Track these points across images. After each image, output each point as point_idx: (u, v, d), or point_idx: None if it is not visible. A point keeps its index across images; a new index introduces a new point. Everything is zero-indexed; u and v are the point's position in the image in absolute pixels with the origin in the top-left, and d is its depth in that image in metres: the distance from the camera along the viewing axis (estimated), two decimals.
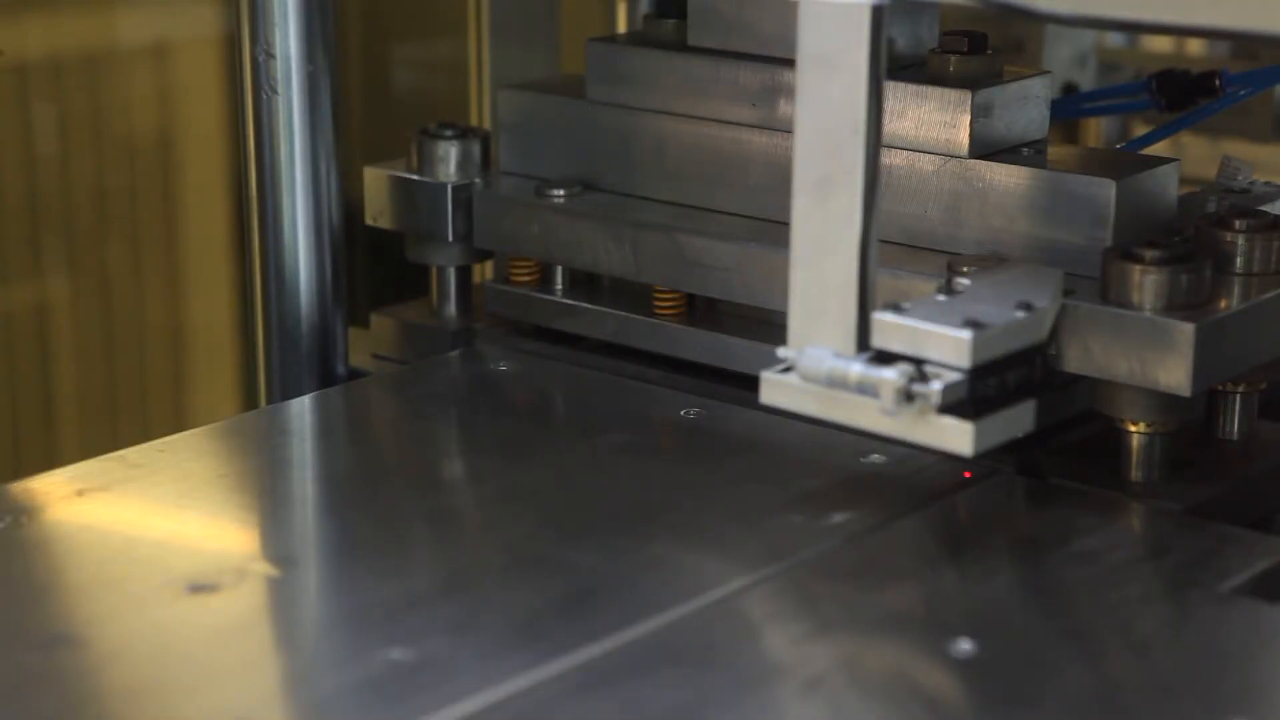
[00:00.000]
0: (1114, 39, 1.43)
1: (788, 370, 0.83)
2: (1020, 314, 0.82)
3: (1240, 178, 0.97)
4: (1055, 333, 0.85)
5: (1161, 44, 1.45)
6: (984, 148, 0.94)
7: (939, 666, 0.73)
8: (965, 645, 0.74)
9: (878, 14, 0.78)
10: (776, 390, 0.83)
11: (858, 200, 0.80)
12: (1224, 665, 0.74)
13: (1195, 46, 1.43)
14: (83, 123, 1.31)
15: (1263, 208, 0.92)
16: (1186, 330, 0.83)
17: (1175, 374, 0.84)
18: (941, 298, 0.83)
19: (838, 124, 0.79)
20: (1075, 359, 0.86)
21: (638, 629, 0.75)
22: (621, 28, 1.39)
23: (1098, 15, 0.77)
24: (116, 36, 1.33)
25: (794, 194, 0.81)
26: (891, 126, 0.94)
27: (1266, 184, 0.97)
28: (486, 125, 1.30)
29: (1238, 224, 0.89)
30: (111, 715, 0.71)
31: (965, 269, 0.88)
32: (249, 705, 0.71)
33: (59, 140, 1.29)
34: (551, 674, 0.72)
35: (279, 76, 1.03)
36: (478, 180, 1.08)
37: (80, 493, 0.87)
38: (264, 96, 1.04)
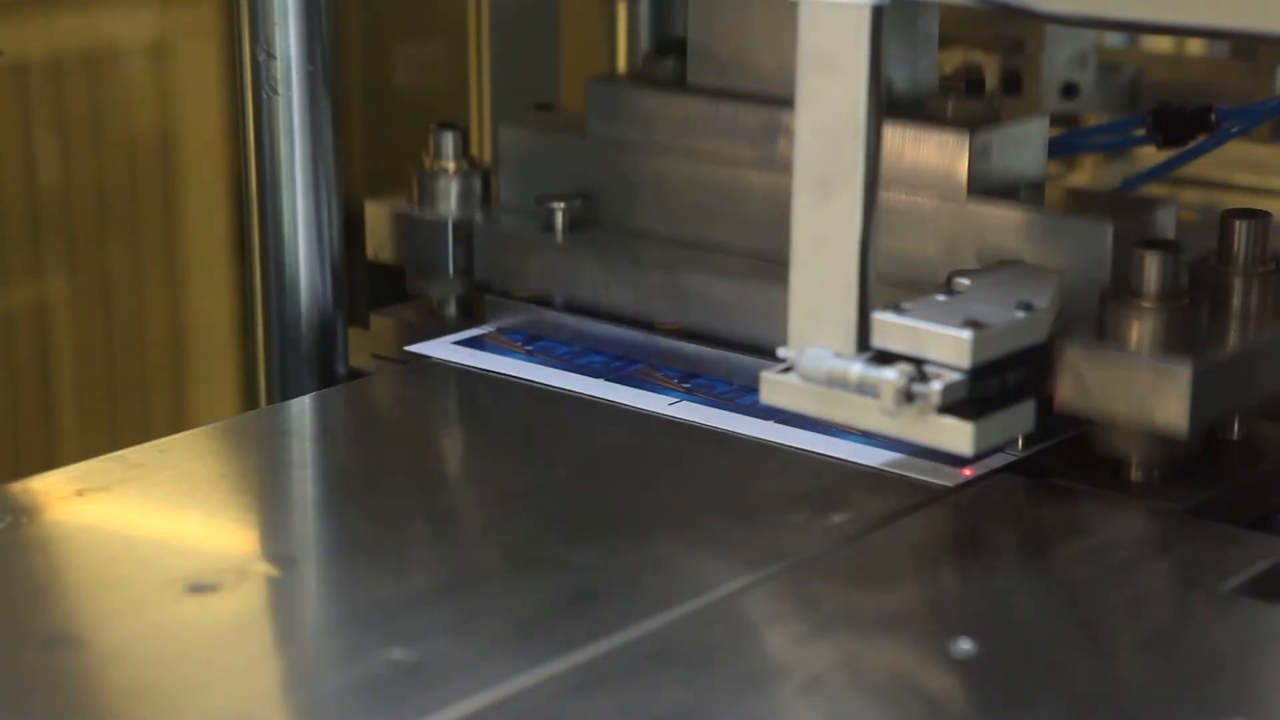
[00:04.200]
0: (1114, 39, 1.43)
1: (788, 370, 0.83)
2: (1020, 314, 0.82)
3: None
4: (1052, 373, 0.84)
5: (1161, 44, 1.45)
6: (982, 188, 0.94)
7: (939, 666, 0.73)
8: (965, 645, 0.74)
9: (878, 14, 0.78)
10: (776, 390, 0.83)
11: (858, 200, 0.80)
12: (1224, 665, 0.74)
13: (1195, 46, 1.43)
14: (83, 123, 1.31)
15: None
16: (1183, 372, 0.83)
17: (1172, 415, 0.83)
18: (941, 298, 0.83)
19: (838, 124, 0.79)
20: (1072, 399, 0.85)
21: (638, 629, 0.75)
22: (621, 29, 1.39)
23: (1098, 15, 0.77)
24: (116, 36, 1.32)
25: (794, 194, 0.81)
26: (890, 166, 0.94)
27: None
28: (486, 125, 1.30)
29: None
30: (111, 715, 0.71)
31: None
32: (249, 705, 0.71)
33: (59, 140, 1.29)
34: (551, 674, 0.72)
35: (279, 76, 1.03)
36: (478, 215, 1.08)
37: (80, 493, 0.87)
38: (264, 96, 1.04)
